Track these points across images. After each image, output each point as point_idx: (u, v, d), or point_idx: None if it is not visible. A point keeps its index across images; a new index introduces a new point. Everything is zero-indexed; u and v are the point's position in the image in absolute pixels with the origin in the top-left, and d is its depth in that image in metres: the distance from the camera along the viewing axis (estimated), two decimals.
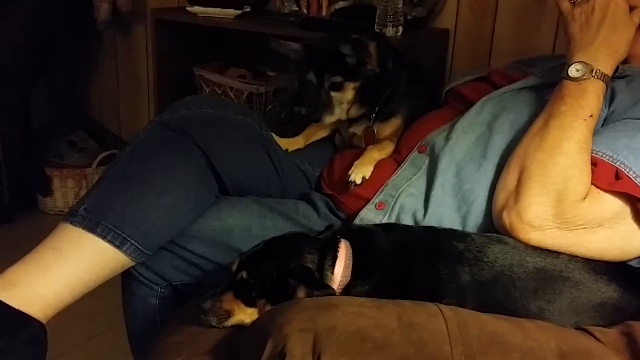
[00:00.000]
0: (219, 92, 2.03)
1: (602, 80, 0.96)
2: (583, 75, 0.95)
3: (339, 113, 1.24)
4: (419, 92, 1.33)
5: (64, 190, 2.42)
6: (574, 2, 1.04)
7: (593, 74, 0.96)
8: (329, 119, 1.24)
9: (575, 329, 0.84)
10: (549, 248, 0.91)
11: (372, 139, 1.26)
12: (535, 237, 0.91)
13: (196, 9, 1.97)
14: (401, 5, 1.66)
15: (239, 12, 1.94)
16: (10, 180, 2.26)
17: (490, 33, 1.81)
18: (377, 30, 1.59)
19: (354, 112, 1.27)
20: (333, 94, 1.22)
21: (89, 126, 2.63)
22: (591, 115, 0.94)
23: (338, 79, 1.21)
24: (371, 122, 1.26)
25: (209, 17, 1.95)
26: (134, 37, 2.49)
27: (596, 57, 0.97)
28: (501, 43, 1.80)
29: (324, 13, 1.86)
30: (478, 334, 0.73)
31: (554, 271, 0.88)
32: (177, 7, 2.25)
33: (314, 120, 1.27)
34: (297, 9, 1.91)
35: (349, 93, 1.23)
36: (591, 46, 0.98)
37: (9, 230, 2.25)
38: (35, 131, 2.40)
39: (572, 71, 0.97)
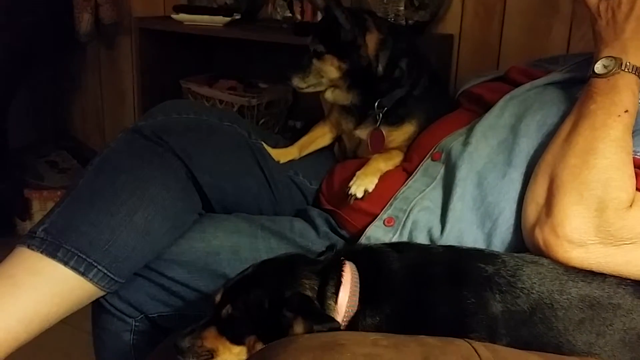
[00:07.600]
0: (208, 105, 1.95)
1: (635, 74, 0.90)
2: (611, 70, 0.90)
3: (314, 83, 1.21)
4: (438, 97, 1.25)
5: (44, 213, 2.30)
6: None
7: (623, 68, 0.89)
8: (299, 83, 1.21)
9: None
10: (592, 269, 0.82)
11: (380, 143, 1.17)
12: (576, 255, 0.82)
13: (182, 16, 1.90)
14: (402, 9, 1.61)
15: (228, 19, 1.86)
16: None
17: (497, 38, 1.74)
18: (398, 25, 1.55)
19: (342, 97, 1.21)
20: (314, 60, 1.20)
21: (72, 145, 2.57)
22: (626, 111, 0.87)
23: (320, 47, 1.18)
24: (378, 124, 1.18)
25: (197, 25, 1.86)
26: (118, 49, 2.42)
27: (625, 50, 0.91)
28: (509, 48, 1.73)
29: (319, 18, 1.77)
30: None
31: (602, 297, 0.79)
32: (163, 15, 2.18)
33: (286, 78, 1.23)
34: (290, 15, 1.86)
35: (330, 68, 1.19)
36: (618, 40, 0.92)
37: None
38: (13, 151, 2.34)
39: (599, 67, 0.91)
